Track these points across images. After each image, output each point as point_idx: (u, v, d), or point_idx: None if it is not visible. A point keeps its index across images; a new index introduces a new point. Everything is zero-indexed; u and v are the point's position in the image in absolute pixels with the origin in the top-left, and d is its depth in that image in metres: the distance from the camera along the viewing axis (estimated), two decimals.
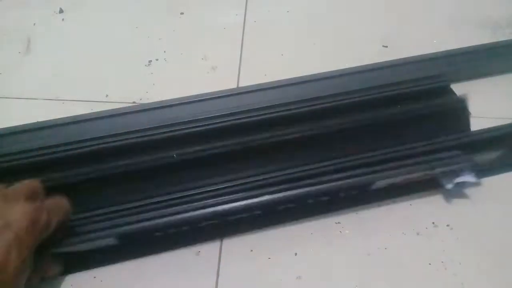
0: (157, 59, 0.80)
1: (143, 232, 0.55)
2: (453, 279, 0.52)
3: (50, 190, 0.52)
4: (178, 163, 0.61)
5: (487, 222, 0.58)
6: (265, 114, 0.66)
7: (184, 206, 0.56)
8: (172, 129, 0.65)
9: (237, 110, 0.67)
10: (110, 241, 0.54)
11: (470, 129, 0.66)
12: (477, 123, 0.66)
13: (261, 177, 0.60)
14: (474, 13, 0.86)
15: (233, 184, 0.59)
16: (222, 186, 0.59)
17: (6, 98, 0.74)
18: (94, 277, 0.54)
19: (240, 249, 0.56)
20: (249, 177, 0.60)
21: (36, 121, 0.68)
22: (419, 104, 0.67)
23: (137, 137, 0.64)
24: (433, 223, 0.57)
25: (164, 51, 0.81)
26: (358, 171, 0.59)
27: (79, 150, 0.62)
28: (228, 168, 0.62)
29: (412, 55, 0.76)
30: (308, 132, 0.64)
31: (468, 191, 0.60)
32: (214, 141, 0.63)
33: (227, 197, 0.57)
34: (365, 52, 0.79)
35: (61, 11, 0.89)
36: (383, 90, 0.69)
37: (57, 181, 0.58)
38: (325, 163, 0.61)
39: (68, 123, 0.67)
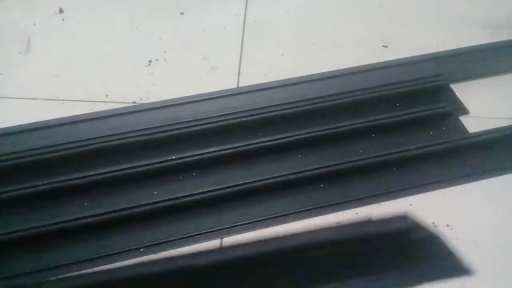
0: (157, 59, 0.80)
1: None
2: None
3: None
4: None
5: (487, 223, 0.58)
6: (265, 113, 0.67)
7: None
8: (172, 129, 0.65)
9: (237, 110, 0.67)
10: None
11: None
12: (477, 123, 0.66)
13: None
14: (475, 13, 0.86)
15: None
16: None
17: (6, 98, 0.74)
18: None
19: None
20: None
21: (36, 121, 0.68)
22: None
23: (137, 136, 0.64)
24: (433, 223, 0.57)
25: (164, 51, 0.81)
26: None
27: (78, 150, 0.62)
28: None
29: (412, 55, 0.76)
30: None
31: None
32: (214, 141, 0.64)
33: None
34: (365, 52, 0.79)
35: (61, 11, 0.89)
36: (383, 89, 0.70)
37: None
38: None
39: (68, 123, 0.67)
